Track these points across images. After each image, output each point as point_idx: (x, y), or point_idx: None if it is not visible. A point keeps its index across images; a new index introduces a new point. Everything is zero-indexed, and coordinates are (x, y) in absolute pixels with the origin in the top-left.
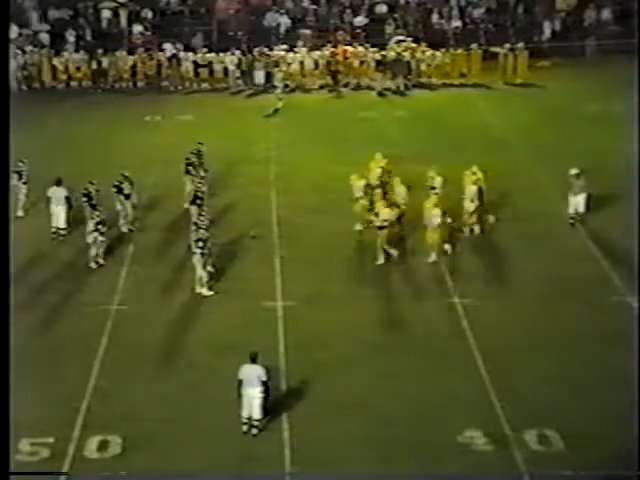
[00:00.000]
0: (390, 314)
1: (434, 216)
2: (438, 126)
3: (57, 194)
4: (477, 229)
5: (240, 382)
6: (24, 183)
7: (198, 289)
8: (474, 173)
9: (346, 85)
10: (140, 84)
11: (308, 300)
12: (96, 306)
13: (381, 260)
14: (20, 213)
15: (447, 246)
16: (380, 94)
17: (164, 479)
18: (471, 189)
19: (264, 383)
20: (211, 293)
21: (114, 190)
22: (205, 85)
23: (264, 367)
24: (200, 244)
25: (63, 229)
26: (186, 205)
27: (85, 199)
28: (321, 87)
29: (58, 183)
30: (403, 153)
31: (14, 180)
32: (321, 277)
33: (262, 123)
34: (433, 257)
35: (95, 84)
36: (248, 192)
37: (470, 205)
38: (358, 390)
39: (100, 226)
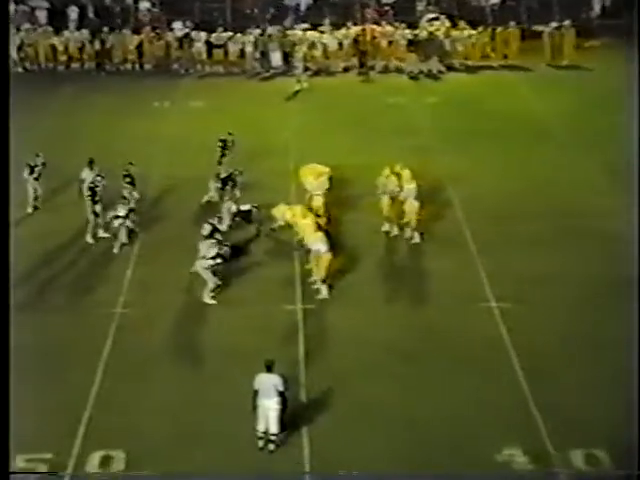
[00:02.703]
0: (420, 319)
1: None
2: (475, 113)
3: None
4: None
5: (255, 393)
6: (35, 179)
7: (206, 298)
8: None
9: (373, 68)
10: (147, 66)
11: (330, 303)
12: (100, 309)
13: None
14: (29, 210)
15: None
16: (411, 78)
17: (165, 479)
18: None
19: (281, 394)
20: (214, 302)
21: (127, 180)
22: (219, 68)
23: (281, 376)
24: (218, 260)
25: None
26: (206, 199)
27: (128, 179)
28: (345, 70)
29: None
30: (435, 143)
31: (25, 174)
32: (345, 278)
33: (281, 110)
34: None
35: (98, 66)
36: (265, 186)
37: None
38: (385, 402)
39: (131, 213)
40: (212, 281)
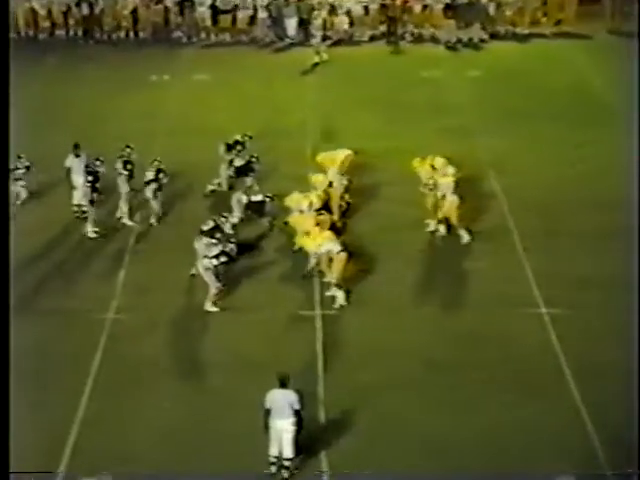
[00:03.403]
0: (457, 326)
1: None
2: (522, 89)
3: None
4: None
5: (267, 411)
6: (21, 183)
7: (207, 305)
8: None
9: (404, 36)
10: (143, 35)
11: (354, 308)
12: (89, 314)
13: None
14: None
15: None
16: (449, 48)
17: (166, 479)
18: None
19: (297, 413)
20: (216, 309)
21: (120, 166)
22: (225, 36)
23: (297, 392)
24: (223, 259)
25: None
26: (211, 188)
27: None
28: (372, 39)
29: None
30: (475, 124)
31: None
32: (370, 279)
33: (297, 85)
34: None
35: (86, 34)
36: (280, 173)
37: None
38: (416, 422)
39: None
40: (215, 285)
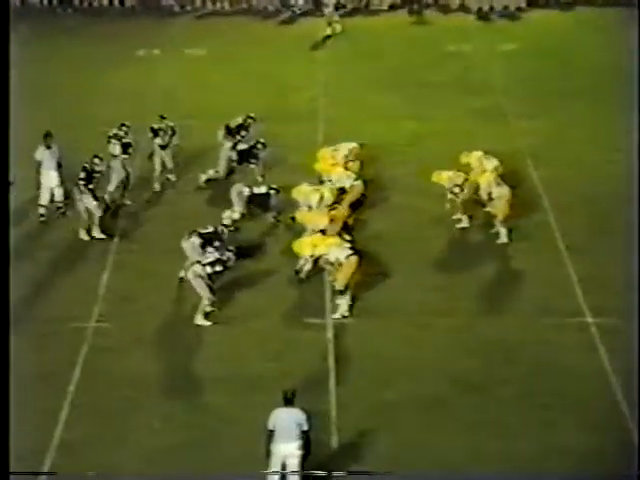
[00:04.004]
0: (490, 337)
1: None
2: (566, 65)
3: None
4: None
5: (270, 433)
6: None
7: (198, 319)
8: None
9: (428, 4)
10: (130, 2)
11: (371, 315)
12: (68, 323)
13: None
14: None
15: None
16: (479, 17)
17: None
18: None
19: (305, 434)
20: (208, 324)
21: (118, 150)
22: (224, 4)
23: (304, 411)
24: (218, 268)
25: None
26: (205, 178)
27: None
28: (392, 7)
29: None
30: (511, 105)
31: None
32: (389, 284)
33: (306, 61)
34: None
35: (63, 2)
36: (287, 162)
37: None
38: (441, 447)
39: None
40: (207, 295)
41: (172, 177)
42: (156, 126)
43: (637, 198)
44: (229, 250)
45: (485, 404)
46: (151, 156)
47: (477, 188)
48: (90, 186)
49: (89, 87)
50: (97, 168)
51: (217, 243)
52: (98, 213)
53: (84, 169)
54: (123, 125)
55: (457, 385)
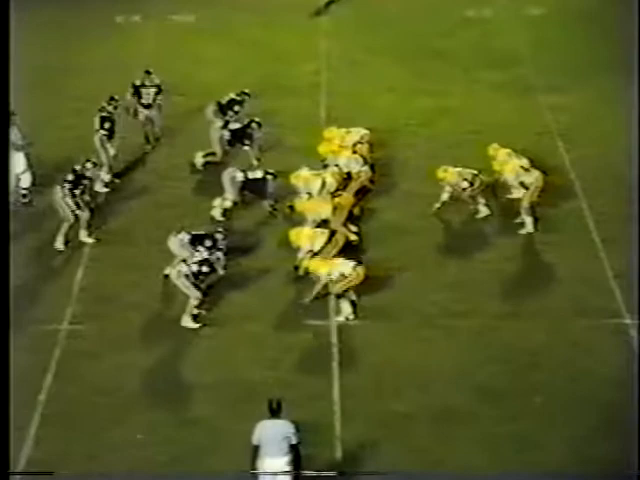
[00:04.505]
0: (515, 342)
1: None
2: (599, 32)
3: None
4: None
5: (255, 449)
6: None
7: (185, 320)
8: None
9: None
10: None
11: (380, 317)
12: (39, 325)
13: None
14: None
15: None
16: None
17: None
18: None
19: (294, 449)
20: (196, 326)
21: (98, 128)
22: None
23: (292, 423)
24: (205, 269)
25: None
26: (202, 160)
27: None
28: None
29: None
30: (538, 78)
31: None
32: (401, 282)
33: (306, 29)
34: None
35: None
36: (285, 144)
37: None
38: (462, 464)
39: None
40: (194, 295)
41: (158, 131)
42: (138, 82)
43: None
44: (219, 249)
45: (509, 416)
46: (135, 115)
47: (490, 184)
48: (76, 191)
49: (59, 58)
50: (87, 173)
51: (208, 243)
52: (85, 217)
53: (73, 171)
54: (112, 99)
55: (477, 395)
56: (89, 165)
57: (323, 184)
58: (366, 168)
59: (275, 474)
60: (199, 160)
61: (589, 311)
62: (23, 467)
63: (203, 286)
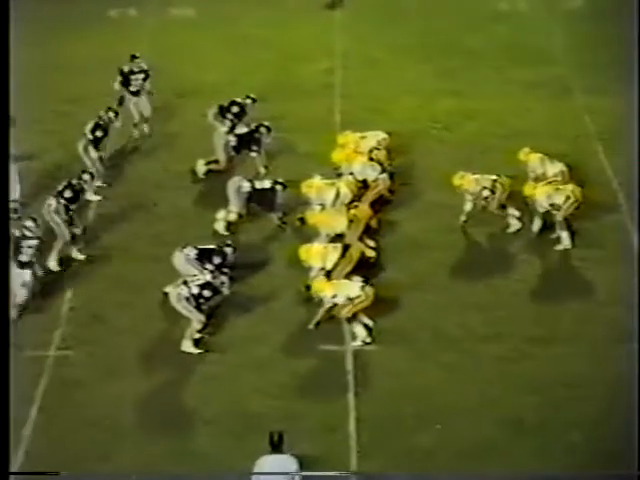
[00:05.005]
0: (548, 369)
1: None
2: None
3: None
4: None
5: None
6: None
7: (186, 345)
8: None
9: None
10: None
11: (399, 341)
12: (23, 351)
13: None
14: None
15: None
16: None
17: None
18: None
19: None
20: (198, 351)
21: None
22: None
23: (295, 458)
24: (207, 293)
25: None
26: (204, 169)
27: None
28: None
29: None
30: (576, 77)
31: None
32: (422, 302)
33: (320, 23)
34: None
35: None
36: (295, 150)
37: None
38: None
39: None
40: (196, 318)
41: (146, 128)
42: (126, 68)
43: None
44: (224, 272)
45: (545, 452)
46: (121, 103)
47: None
48: (72, 207)
49: (44, 56)
50: (85, 186)
51: (217, 259)
52: (77, 232)
53: (70, 185)
54: (110, 109)
55: (508, 428)
56: (86, 177)
57: (337, 194)
58: (384, 176)
59: None
60: (201, 168)
61: (632, 336)
62: None
63: (206, 308)
